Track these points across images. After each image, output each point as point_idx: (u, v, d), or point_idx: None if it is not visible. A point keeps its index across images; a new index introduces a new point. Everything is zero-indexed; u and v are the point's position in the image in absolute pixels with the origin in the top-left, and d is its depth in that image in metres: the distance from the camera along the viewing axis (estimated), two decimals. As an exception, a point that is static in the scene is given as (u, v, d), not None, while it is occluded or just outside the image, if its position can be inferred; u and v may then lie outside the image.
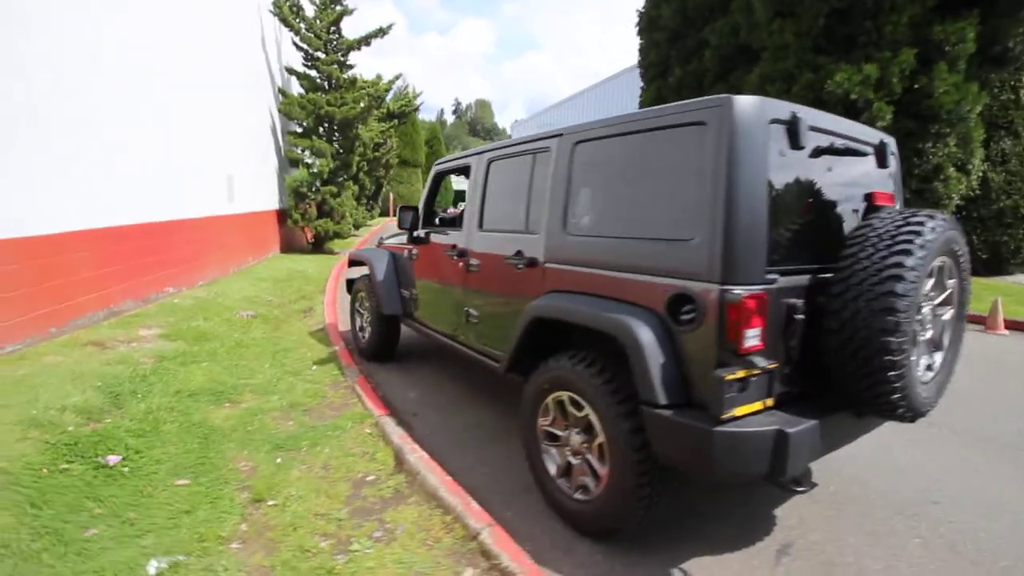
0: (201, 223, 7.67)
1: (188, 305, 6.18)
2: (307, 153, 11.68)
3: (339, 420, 3.38)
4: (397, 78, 12.19)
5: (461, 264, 3.36)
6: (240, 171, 9.20)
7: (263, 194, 10.64)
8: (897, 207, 2.39)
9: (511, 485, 2.79)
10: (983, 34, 7.39)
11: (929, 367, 2.09)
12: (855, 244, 1.92)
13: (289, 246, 12.29)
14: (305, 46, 11.01)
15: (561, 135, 2.62)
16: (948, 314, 2.16)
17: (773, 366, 1.84)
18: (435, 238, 3.85)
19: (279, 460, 2.86)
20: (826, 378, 2.06)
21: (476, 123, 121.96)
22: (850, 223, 2.22)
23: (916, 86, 7.52)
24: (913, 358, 1.87)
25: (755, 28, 9.00)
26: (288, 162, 11.75)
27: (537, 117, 28.94)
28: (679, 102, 2.07)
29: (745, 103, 1.86)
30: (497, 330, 3.05)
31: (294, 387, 3.94)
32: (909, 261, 1.78)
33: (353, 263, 5.23)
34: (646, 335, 1.97)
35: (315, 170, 11.50)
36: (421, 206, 4.01)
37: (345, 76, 11.33)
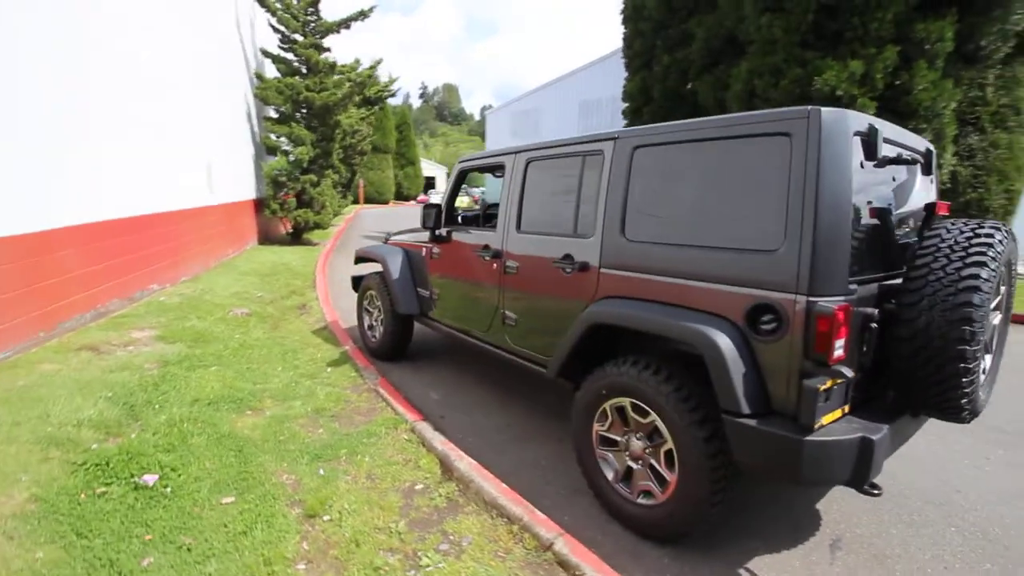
0: (182, 215, 7.30)
1: (176, 303, 5.90)
2: (285, 140, 11.24)
3: (371, 426, 3.30)
4: (378, 63, 11.81)
5: (495, 265, 3.31)
6: (218, 160, 8.78)
7: (241, 183, 10.21)
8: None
9: (558, 488, 2.80)
10: (959, 32, 7.70)
11: (983, 370, 2.18)
12: (927, 254, 1.97)
13: (266, 237, 11.87)
14: (282, 28, 10.52)
15: (616, 138, 2.58)
16: (997, 318, 2.26)
17: (854, 375, 1.88)
18: (460, 237, 3.76)
19: (322, 472, 2.77)
20: (882, 381, 2.14)
21: (443, 107, 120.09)
22: (910, 232, 2.29)
23: (897, 83, 7.79)
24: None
25: (743, 20, 9.11)
26: (265, 149, 11.29)
27: (511, 105, 28.62)
28: (758, 111, 2.07)
29: (831, 115, 1.88)
30: (539, 333, 3.02)
31: (314, 392, 3.82)
32: (984, 273, 1.85)
33: (360, 260, 5.09)
34: (727, 345, 1.98)
35: (293, 158, 11.08)
36: (443, 203, 3.91)
37: (323, 60, 10.89)
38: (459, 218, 4.08)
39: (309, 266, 9.57)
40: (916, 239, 2.16)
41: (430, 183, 51.10)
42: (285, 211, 11.25)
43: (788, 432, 1.85)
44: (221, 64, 9.18)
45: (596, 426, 2.56)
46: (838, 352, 1.83)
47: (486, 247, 3.40)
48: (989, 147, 9.63)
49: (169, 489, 2.45)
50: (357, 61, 12.26)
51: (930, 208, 2.22)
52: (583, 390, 2.61)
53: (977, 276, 1.84)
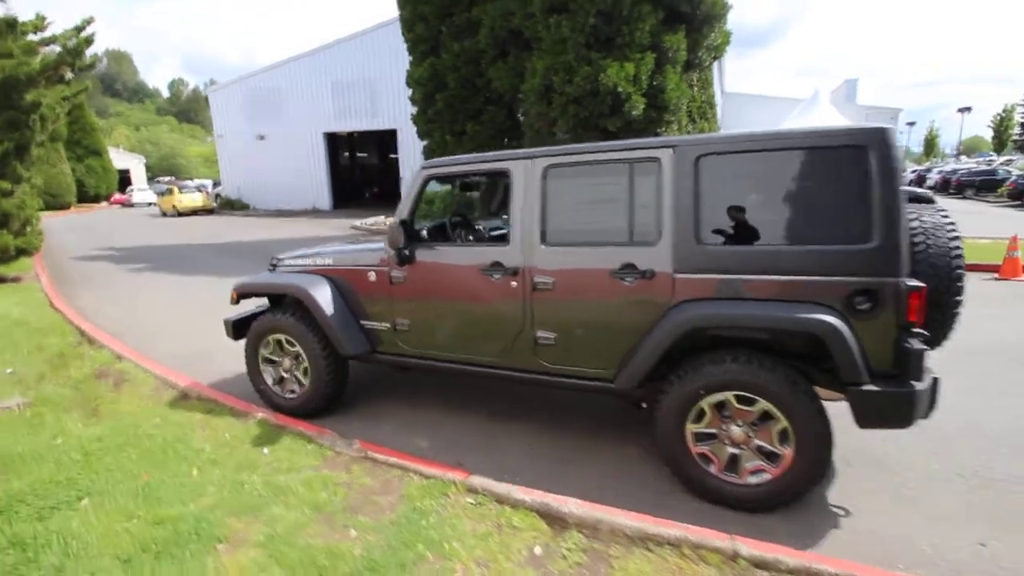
0: None
1: None
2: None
3: (412, 504, 2.68)
4: (88, 22, 8.60)
5: (515, 284, 3.00)
6: None
7: None
8: None
9: (646, 496, 2.82)
10: (688, 45, 9.94)
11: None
12: (917, 234, 2.65)
13: (-82, 279, 7.82)
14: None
15: (674, 147, 2.62)
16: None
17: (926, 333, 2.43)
18: (439, 256, 3.26)
19: (425, 582, 2.16)
20: None
21: (112, 80, 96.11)
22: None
23: (655, 83, 9.63)
24: None
25: (530, 17, 9.81)
26: None
27: (246, 81, 24.60)
28: (832, 127, 2.39)
29: (893, 132, 2.33)
30: (590, 349, 2.90)
31: (282, 486, 2.85)
32: (960, 243, 2.61)
33: (245, 296, 3.91)
34: (844, 328, 2.32)
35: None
36: (407, 217, 3.28)
37: (-4, 13, 7.47)
38: (424, 233, 3.49)
39: (44, 314, 6.76)
40: None
41: (125, 178, 40.28)
42: (-41, 237, 7.54)
43: (904, 388, 2.31)
44: None
45: (691, 426, 2.67)
46: (923, 319, 2.35)
47: (495, 264, 3.04)
48: (696, 133, 12.80)
49: None
50: (41, 18, 8.76)
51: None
52: (670, 395, 2.66)
53: (959, 247, 2.59)
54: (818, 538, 2.47)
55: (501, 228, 4.42)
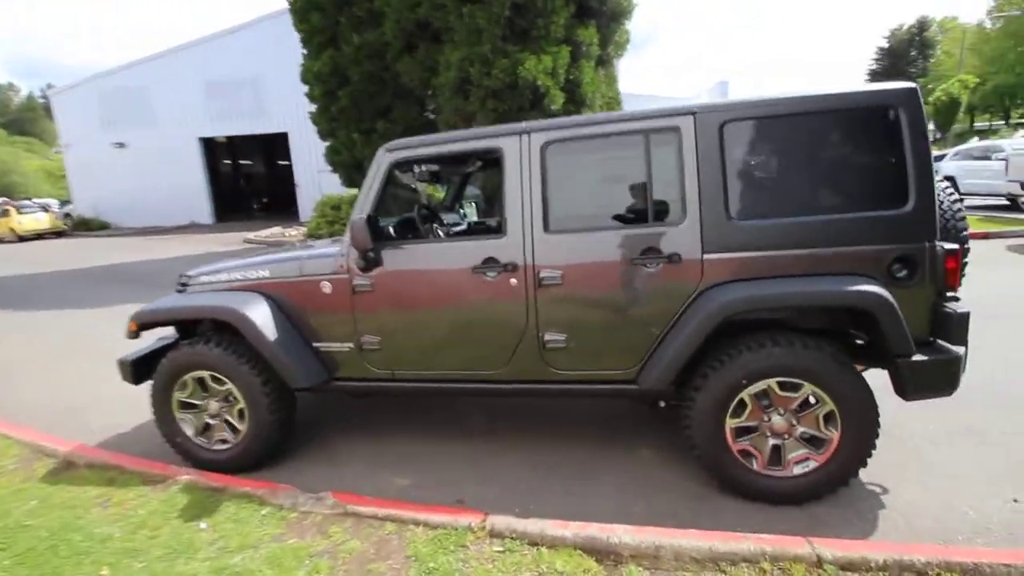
0: None
1: None
2: None
3: (424, 565, 2.12)
4: None
5: (514, 281, 2.56)
6: None
7: None
8: None
9: (678, 503, 2.54)
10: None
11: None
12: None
13: None
14: None
15: (695, 113, 2.33)
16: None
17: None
18: (413, 258, 2.73)
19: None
20: None
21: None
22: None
23: (571, 77, 9.58)
24: None
25: (440, 8, 9.29)
26: None
27: (98, 80, 21.25)
28: (861, 88, 2.23)
29: (917, 89, 2.22)
30: (611, 347, 2.54)
31: (239, 572, 2.14)
32: (961, 205, 2.61)
33: (147, 326, 3.05)
34: (890, 298, 2.17)
35: None
36: (371, 213, 2.69)
37: None
38: (390, 230, 2.88)
39: None
40: None
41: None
42: None
43: (949, 355, 2.21)
44: None
45: (730, 421, 2.41)
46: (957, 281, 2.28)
47: (489, 260, 2.57)
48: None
49: None
50: None
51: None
52: (708, 390, 2.38)
53: (962, 208, 2.60)
54: (873, 521, 2.33)
55: (460, 224, 3.94)
